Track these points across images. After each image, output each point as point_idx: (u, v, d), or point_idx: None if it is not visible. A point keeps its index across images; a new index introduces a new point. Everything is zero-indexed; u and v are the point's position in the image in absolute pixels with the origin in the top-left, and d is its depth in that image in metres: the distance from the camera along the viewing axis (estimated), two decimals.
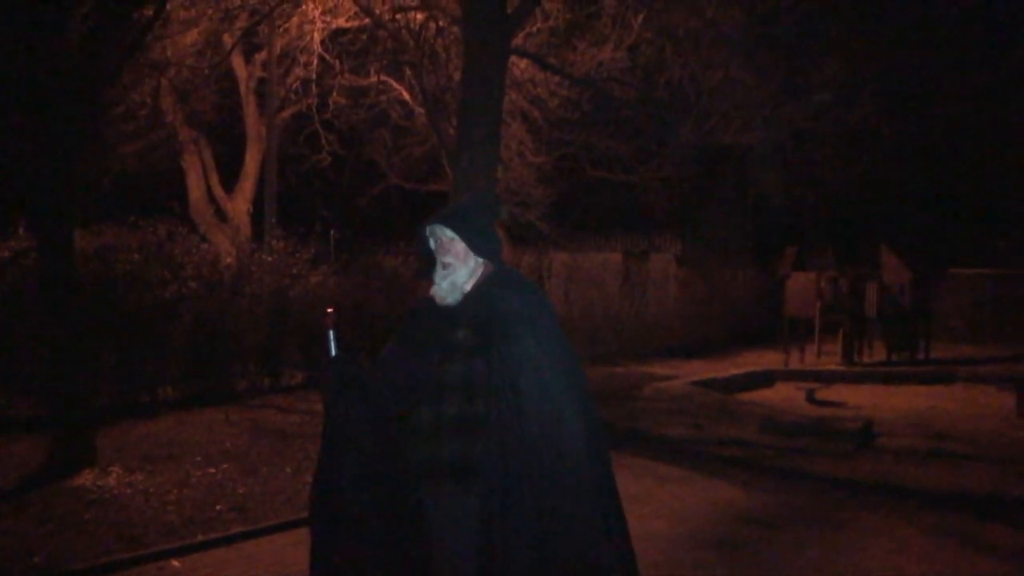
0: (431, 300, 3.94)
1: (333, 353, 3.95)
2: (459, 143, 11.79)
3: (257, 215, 19.38)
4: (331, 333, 3.96)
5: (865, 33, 14.26)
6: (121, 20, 8.74)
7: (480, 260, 3.91)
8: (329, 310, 4.03)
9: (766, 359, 19.34)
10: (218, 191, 19.78)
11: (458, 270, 3.86)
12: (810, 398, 14.76)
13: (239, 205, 19.91)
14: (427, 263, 3.98)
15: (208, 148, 19.55)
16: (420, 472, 3.74)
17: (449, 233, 3.87)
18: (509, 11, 11.72)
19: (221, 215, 19.68)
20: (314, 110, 17.63)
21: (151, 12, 9.29)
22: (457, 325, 3.81)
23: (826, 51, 13.45)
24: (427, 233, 3.95)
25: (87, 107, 8.81)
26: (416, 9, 13.86)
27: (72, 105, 8.46)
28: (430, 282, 3.95)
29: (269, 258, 13.99)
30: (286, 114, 18.78)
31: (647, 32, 15.64)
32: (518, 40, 13.68)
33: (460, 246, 3.87)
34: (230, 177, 20.02)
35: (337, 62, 16.64)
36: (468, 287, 3.88)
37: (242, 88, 19.49)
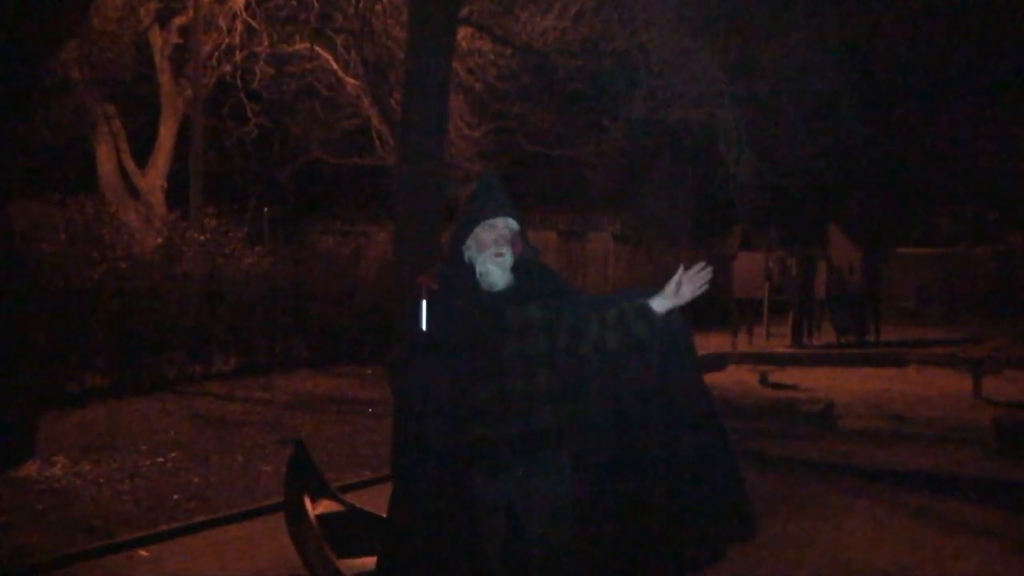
0: (454, 286, 4.18)
1: (424, 326, 4.05)
2: (405, 115, 11.98)
3: (173, 191, 19.32)
4: (424, 304, 4.06)
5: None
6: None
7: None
8: (423, 279, 4.13)
9: (713, 341, 19.77)
10: (130, 165, 19.68)
11: (507, 256, 4.18)
12: (764, 381, 15.17)
13: (152, 180, 19.82)
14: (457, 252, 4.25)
15: (118, 120, 19.42)
16: (511, 444, 4.07)
17: (512, 224, 4.21)
18: None
19: (132, 191, 19.60)
20: (238, 79, 17.64)
21: None
22: (518, 304, 4.14)
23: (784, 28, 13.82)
24: (478, 225, 4.18)
25: (24, 82, 8.85)
26: None
27: (9, 81, 8.53)
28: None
29: (201, 237, 13.98)
30: (209, 80, 18.71)
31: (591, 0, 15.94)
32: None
33: (513, 233, 4.21)
34: (140, 151, 19.92)
35: (262, 29, 16.70)
36: (510, 270, 4.21)
37: (156, 56, 19.39)
